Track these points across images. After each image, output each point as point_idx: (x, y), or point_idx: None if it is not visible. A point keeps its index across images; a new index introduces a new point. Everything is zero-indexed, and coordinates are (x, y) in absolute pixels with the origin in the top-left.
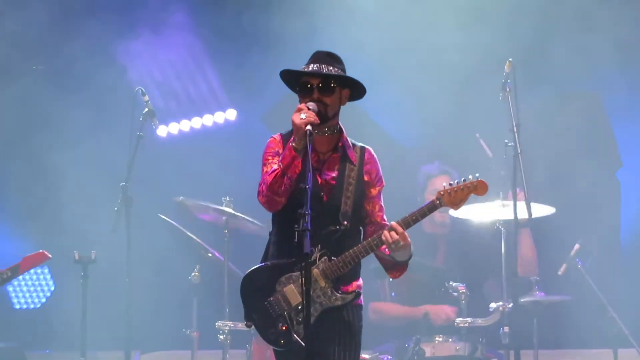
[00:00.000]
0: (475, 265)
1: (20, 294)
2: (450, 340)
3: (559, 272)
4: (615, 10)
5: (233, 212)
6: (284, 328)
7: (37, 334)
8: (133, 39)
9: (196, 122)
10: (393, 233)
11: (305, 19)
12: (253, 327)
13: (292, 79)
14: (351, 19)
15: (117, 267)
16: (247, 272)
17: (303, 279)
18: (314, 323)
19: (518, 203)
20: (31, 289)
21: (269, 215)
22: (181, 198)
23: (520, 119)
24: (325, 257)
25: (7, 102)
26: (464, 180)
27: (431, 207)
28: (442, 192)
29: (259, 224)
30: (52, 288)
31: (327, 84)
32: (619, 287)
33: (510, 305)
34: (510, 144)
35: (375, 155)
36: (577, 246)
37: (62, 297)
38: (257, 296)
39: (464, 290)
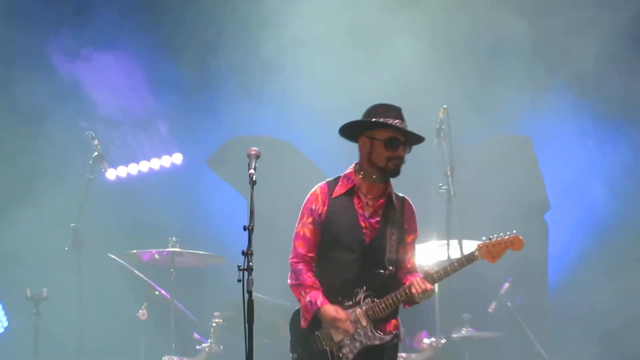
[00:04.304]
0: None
1: None
2: None
3: (489, 310)
4: (549, 58)
5: (180, 250)
6: None
7: None
8: (81, 83)
9: (144, 166)
10: (418, 288)
11: (251, 62)
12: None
13: (356, 129)
14: (297, 58)
15: (69, 305)
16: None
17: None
18: None
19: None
20: None
21: (215, 249)
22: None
23: (454, 162)
24: (369, 299)
25: None
26: (502, 236)
27: (470, 259)
28: (481, 246)
29: (206, 253)
30: (6, 324)
31: (409, 143)
32: (546, 323)
33: (443, 340)
34: (444, 188)
35: (413, 206)
36: (506, 285)
37: (13, 334)
38: (304, 330)
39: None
